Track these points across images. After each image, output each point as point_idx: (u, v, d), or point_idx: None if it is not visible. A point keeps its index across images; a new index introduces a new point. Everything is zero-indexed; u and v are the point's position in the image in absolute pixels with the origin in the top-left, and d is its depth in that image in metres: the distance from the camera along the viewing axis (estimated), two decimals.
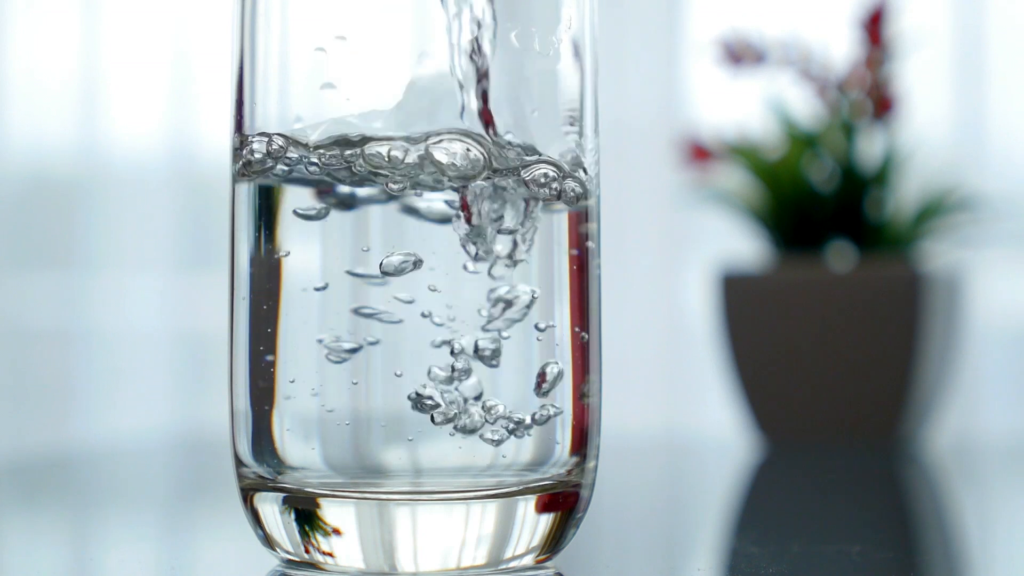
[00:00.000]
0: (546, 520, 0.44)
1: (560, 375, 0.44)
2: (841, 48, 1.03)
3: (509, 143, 0.43)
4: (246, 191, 0.44)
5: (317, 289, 0.43)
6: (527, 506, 0.43)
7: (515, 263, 0.43)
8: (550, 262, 0.44)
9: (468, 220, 0.42)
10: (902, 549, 0.55)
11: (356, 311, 0.43)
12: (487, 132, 0.43)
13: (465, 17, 0.43)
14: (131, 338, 1.81)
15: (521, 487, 0.43)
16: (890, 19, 1.00)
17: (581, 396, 0.44)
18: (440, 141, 0.43)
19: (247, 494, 0.44)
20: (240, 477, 0.45)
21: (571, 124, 0.44)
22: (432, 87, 0.43)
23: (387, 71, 0.43)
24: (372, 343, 0.42)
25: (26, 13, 1.82)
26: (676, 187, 1.28)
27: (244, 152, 0.44)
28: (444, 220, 0.43)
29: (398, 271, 0.42)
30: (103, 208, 1.80)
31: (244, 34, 0.44)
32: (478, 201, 0.43)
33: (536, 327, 0.43)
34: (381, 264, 0.42)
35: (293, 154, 0.43)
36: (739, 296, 0.97)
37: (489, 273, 0.43)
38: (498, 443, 0.43)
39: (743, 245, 1.10)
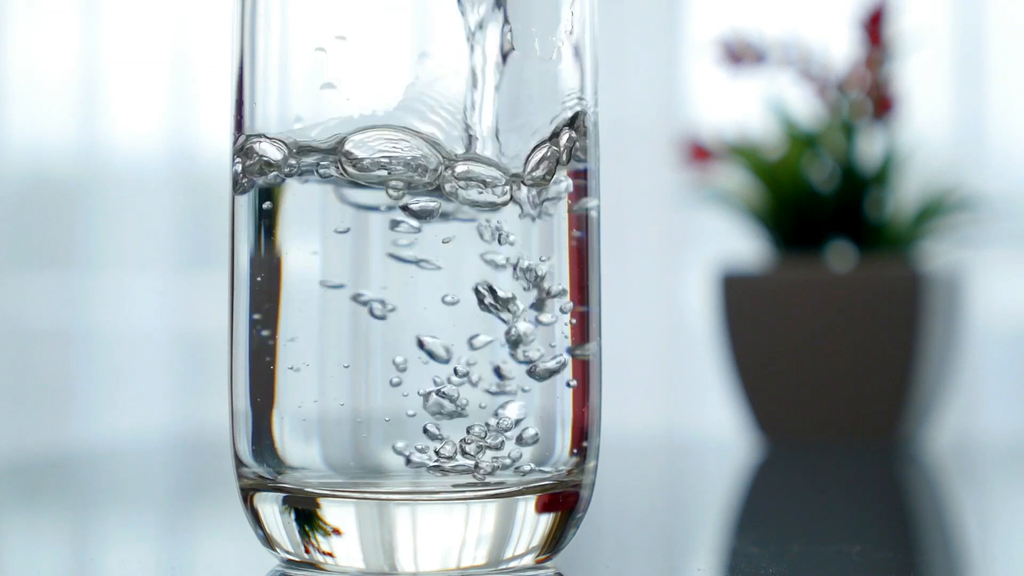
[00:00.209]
0: (546, 520, 0.44)
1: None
2: (841, 48, 1.03)
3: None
4: (246, 191, 0.44)
5: (317, 289, 0.43)
6: (527, 506, 0.43)
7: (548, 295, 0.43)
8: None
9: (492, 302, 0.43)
10: (902, 549, 0.55)
11: (356, 311, 0.43)
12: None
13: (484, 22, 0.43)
14: (131, 338, 1.81)
15: (521, 487, 0.43)
16: (890, 19, 1.00)
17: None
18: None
19: (247, 494, 0.44)
20: (240, 477, 0.45)
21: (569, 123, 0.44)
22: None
23: (387, 71, 0.43)
24: (372, 343, 0.42)
25: (26, 13, 1.82)
26: (676, 187, 1.28)
27: (245, 156, 0.44)
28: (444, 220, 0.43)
29: (426, 213, 0.42)
30: (103, 208, 1.80)
31: (244, 34, 0.44)
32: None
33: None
34: (410, 207, 0.42)
35: (293, 161, 0.43)
36: (739, 296, 0.97)
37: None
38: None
39: (743, 245, 1.10)
